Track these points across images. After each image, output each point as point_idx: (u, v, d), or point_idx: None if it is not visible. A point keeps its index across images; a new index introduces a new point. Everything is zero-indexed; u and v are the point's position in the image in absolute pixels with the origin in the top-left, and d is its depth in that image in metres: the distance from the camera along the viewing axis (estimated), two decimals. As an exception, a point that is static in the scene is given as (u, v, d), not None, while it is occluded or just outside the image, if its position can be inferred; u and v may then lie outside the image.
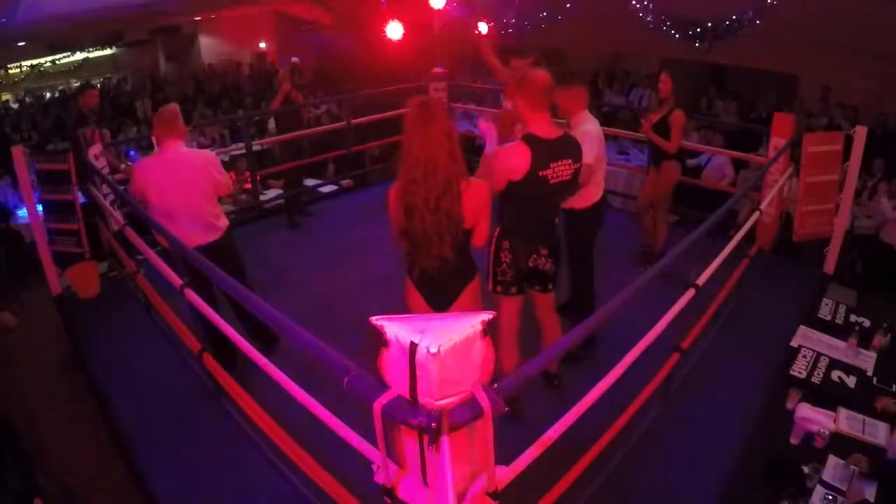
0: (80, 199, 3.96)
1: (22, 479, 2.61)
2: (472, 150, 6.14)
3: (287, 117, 5.48)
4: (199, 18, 13.73)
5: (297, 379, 1.77)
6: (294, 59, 11.51)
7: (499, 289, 2.62)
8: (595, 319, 1.70)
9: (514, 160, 2.36)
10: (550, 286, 2.69)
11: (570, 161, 2.45)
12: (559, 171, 2.42)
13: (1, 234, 5.90)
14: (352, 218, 5.48)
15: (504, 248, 2.55)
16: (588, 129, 2.98)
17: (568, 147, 2.46)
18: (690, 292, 2.40)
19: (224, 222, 3.08)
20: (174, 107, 2.96)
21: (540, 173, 2.38)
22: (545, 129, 2.41)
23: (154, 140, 2.99)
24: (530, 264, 2.56)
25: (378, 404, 1.14)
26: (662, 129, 4.05)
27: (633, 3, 8.61)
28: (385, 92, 6.46)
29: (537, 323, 2.85)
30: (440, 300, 2.28)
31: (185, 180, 2.83)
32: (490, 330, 1.16)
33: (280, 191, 5.99)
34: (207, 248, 2.85)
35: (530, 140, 2.38)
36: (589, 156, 2.70)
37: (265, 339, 3.13)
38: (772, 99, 7.67)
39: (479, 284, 2.37)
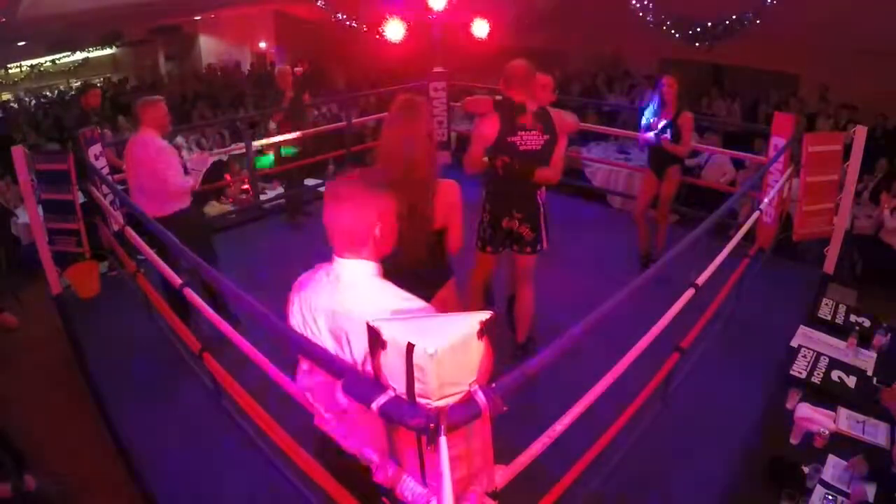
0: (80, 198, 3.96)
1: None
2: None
3: (290, 119, 5.48)
4: (199, 18, 13.74)
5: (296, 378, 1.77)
6: (297, 70, 11.48)
7: (478, 244, 3.02)
8: (592, 320, 1.69)
9: (485, 128, 2.76)
10: (528, 249, 2.95)
11: (538, 132, 2.75)
12: (527, 139, 2.74)
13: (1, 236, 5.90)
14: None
15: (486, 210, 2.97)
16: None
17: (539, 119, 2.76)
18: (690, 292, 2.40)
19: (174, 207, 3.39)
20: (156, 100, 3.32)
21: (508, 139, 2.73)
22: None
23: None
24: (504, 225, 2.90)
25: (376, 405, 1.14)
26: (672, 133, 3.97)
27: (633, 3, 8.60)
28: (385, 92, 6.46)
29: (515, 289, 3.16)
30: None
31: (136, 159, 3.33)
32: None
33: (280, 190, 6.00)
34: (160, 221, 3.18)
35: (502, 115, 2.75)
36: None
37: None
38: (772, 99, 7.67)
39: (454, 290, 2.34)
